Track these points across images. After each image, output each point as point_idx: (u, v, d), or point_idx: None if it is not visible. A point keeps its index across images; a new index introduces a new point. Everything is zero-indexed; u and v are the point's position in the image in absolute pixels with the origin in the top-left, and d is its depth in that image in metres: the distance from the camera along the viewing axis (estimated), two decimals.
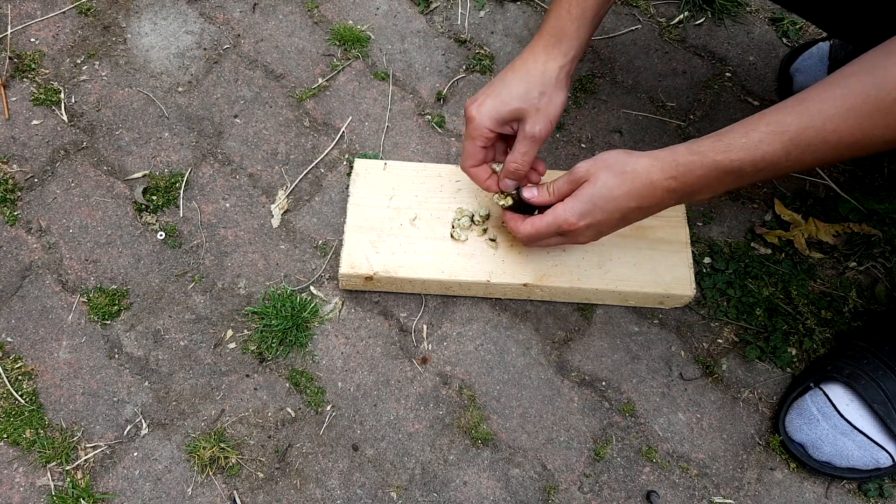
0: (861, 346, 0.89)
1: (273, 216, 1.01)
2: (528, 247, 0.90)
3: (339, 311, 0.96)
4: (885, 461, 0.85)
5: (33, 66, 1.08)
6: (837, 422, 0.86)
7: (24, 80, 1.07)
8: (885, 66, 0.61)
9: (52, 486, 0.84)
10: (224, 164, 1.04)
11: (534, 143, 0.79)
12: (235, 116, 1.07)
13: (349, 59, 1.13)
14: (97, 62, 1.10)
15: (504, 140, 0.86)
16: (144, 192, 1.00)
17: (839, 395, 0.87)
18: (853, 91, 0.62)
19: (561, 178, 0.78)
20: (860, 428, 0.85)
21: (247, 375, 0.91)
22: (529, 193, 0.81)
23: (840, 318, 0.96)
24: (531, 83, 0.77)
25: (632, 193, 0.71)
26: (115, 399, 0.89)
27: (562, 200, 0.77)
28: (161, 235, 0.99)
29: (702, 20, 1.19)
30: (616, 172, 0.72)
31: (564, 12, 0.77)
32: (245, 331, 0.94)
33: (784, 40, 1.18)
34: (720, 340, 0.96)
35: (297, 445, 0.88)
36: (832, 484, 0.89)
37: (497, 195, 0.85)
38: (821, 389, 0.88)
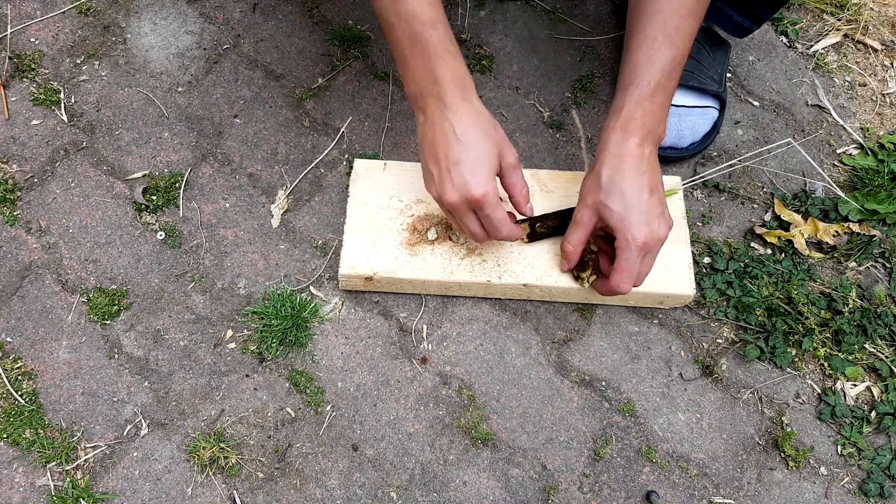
0: None
1: (273, 216, 1.01)
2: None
3: (339, 311, 0.96)
4: (715, 112, 1.05)
5: (33, 66, 1.08)
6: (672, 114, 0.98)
7: (24, 80, 1.07)
8: None
9: (52, 486, 0.84)
10: (224, 164, 1.04)
11: (519, 167, 0.84)
12: (235, 116, 1.07)
13: (349, 59, 1.13)
14: (97, 62, 1.10)
15: None
16: (144, 192, 1.00)
17: None
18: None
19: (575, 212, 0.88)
20: (683, 104, 1.02)
21: (247, 375, 0.91)
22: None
23: (840, 317, 0.96)
24: (482, 127, 0.79)
25: (636, 173, 0.80)
26: (114, 399, 0.89)
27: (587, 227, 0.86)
28: (161, 235, 0.99)
29: None
30: (609, 160, 0.81)
31: (451, 59, 0.79)
32: (245, 331, 0.94)
33: (784, 40, 1.18)
34: (720, 340, 0.96)
35: (297, 445, 0.88)
36: (832, 483, 0.89)
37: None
38: None
